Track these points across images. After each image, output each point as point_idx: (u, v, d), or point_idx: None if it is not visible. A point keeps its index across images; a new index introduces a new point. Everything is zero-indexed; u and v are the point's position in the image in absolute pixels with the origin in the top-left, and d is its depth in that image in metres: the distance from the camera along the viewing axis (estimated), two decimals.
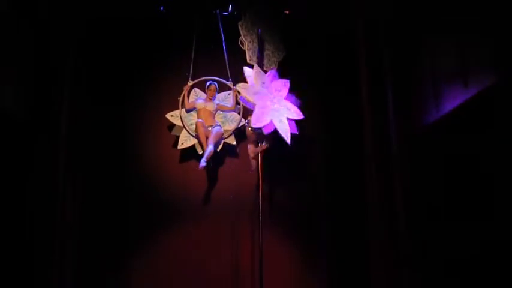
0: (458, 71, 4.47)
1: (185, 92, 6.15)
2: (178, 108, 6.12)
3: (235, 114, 6.21)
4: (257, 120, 5.66)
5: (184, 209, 6.13)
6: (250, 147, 5.88)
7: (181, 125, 6.12)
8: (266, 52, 6.18)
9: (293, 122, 5.84)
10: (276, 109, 5.76)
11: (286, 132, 5.67)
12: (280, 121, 5.72)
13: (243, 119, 6.09)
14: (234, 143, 6.19)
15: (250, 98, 5.72)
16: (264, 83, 5.81)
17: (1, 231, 5.00)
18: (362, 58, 5.78)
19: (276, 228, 6.08)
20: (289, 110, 5.83)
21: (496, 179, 4.43)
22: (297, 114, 5.84)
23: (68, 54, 5.61)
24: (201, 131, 5.91)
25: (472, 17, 4.25)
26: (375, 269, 5.43)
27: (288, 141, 5.65)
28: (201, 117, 6.05)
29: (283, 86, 5.90)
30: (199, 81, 6.21)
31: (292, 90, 6.37)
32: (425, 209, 5.02)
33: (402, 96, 5.33)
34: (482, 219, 4.54)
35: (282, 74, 6.22)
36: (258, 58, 6.00)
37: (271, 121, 5.66)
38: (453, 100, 4.56)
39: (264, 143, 5.78)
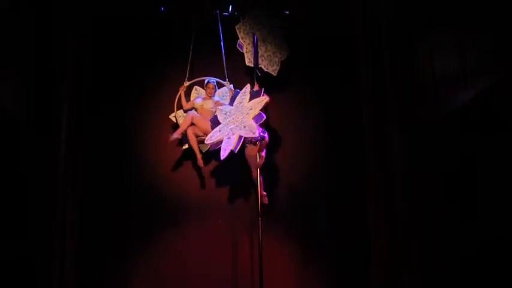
0: (458, 71, 4.48)
1: (181, 92, 6.14)
2: (178, 108, 6.14)
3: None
4: (209, 137, 5.72)
5: (184, 209, 6.13)
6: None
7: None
8: (267, 53, 6.18)
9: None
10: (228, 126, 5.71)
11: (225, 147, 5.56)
12: (228, 138, 5.63)
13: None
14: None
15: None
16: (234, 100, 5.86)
17: (1, 232, 5.00)
18: (362, 59, 5.79)
19: (276, 228, 6.07)
20: (245, 127, 5.67)
21: (496, 179, 4.44)
22: (252, 133, 5.61)
23: (68, 54, 5.61)
24: (193, 138, 5.92)
25: (472, 17, 4.25)
26: (375, 269, 5.44)
27: (222, 156, 5.55)
28: None
29: (258, 103, 5.74)
30: (195, 81, 6.22)
31: (292, 90, 6.40)
32: (425, 208, 5.02)
33: (402, 96, 5.34)
34: (482, 218, 4.55)
35: (281, 74, 6.24)
36: (255, 60, 6.00)
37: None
38: (453, 100, 4.57)
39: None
